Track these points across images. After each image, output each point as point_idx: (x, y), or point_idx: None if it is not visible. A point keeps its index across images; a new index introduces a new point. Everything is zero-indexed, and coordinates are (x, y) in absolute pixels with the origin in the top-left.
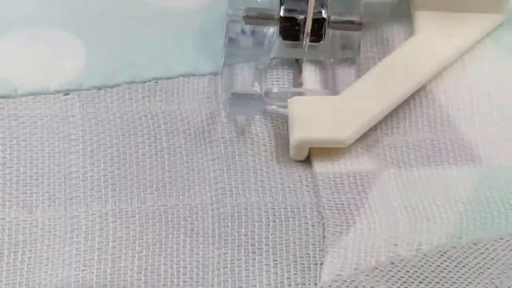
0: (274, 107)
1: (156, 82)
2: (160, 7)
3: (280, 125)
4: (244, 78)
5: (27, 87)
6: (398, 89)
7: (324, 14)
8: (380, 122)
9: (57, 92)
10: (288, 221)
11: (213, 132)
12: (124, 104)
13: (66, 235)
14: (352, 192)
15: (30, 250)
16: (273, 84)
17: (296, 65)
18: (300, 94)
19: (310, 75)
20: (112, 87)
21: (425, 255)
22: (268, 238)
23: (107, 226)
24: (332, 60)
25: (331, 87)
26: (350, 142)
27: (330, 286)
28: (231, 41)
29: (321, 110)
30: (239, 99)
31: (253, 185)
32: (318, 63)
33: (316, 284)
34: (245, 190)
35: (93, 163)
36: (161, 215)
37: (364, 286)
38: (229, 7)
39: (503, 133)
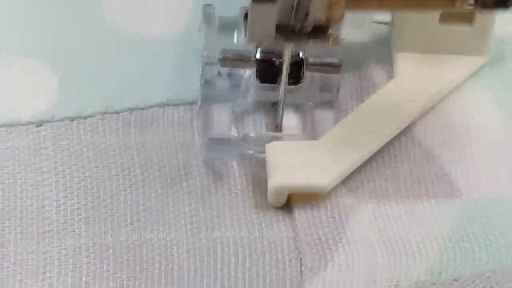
0: (251, 152)
1: (130, 113)
2: (134, 36)
3: (259, 168)
4: (221, 122)
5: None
6: (378, 134)
7: (302, 56)
8: None
9: (30, 123)
10: (265, 255)
11: (188, 165)
12: (98, 136)
13: (39, 270)
14: (330, 227)
15: (2, 285)
16: (250, 128)
17: (274, 108)
18: (278, 138)
19: (288, 118)
20: (85, 118)
21: None
22: (244, 273)
23: (80, 261)
24: (310, 103)
25: (310, 131)
26: (330, 188)
27: None
28: (207, 83)
29: (300, 156)
30: (216, 144)
31: (229, 219)
32: (296, 106)
33: None
34: (221, 224)
35: (66, 196)
36: (135, 250)
37: None
38: (204, 49)
39: (483, 166)
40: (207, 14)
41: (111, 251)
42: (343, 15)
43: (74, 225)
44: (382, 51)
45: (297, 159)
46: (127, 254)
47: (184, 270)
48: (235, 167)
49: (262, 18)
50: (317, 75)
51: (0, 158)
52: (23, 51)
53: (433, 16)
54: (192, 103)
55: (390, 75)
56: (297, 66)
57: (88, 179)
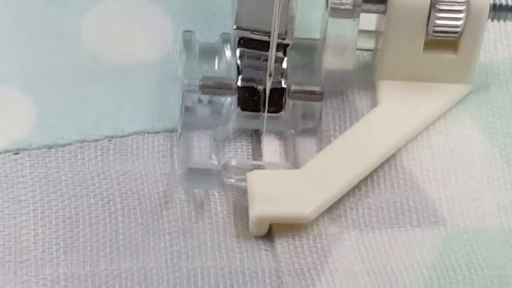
0: (232, 181)
1: (109, 141)
2: (112, 62)
3: (241, 197)
4: (201, 151)
5: None
6: (362, 163)
7: (284, 84)
8: None
9: (6, 151)
10: (246, 285)
11: (169, 193)
12: (76, 164)
13: None
14: (312, 256)
15: None
16: (231, 156)
17: (255, 135)
18: (259, 167)
19: (270, 146)
20: (63, 146)
21: None
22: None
23: None
24: (292, 131)
25: (292, 160)
26: (313, 218)
27: None
28: (187, 110)
29: (282, 185)
30: (195, 174)
31: (210, 249)
32: (278, 134)
33: None
34: (201, 253)
35: (45, 225)
36: (114, 279)
37: None
38: (184, 76)
39: (468, 193)
40: (187, 41)
41: (89, 280)
42: None
43: (52, 254)
44: (365, 78)
45: (279, 188)
46: (106, 283)
47: None
48: (216, 195)
49: None
50: (299, 103)
51: None
52: (0, 78)
53: (417, 43)
54: (172, 131)
55: (374, 103)
56: (279, 94)
57: (67, 208)
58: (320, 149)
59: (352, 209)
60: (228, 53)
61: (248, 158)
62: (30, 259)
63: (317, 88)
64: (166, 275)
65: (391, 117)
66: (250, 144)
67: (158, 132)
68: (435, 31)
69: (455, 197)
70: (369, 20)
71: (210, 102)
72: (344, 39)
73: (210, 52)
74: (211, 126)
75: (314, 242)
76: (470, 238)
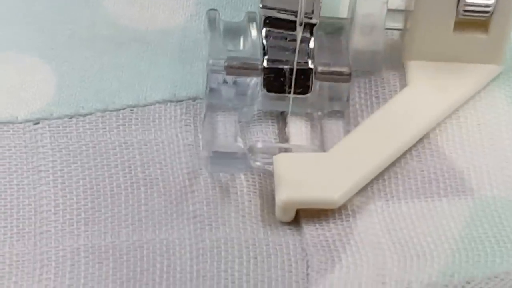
0: (258, 163)
1: (131, 110)
2: (133, 29)
3: (267, 179)
4: (226, 133)
5: None
6: (391, 146)
7: (310, 65)
8: None
9: (26, 121)
10: (270, 258)
11: (191, 164)
12: (97, 133)
13: (35, 271)
14: (337, 228)
15: None
16: (257, 139)
17: (282, 117)
18: (286, 150)
19: (297, 129)
20: (84, 115)
21: None
22: (249, 275)
23: (78, 262)
24: (319, 113)
25: (319, 143)
26: (341, 203)
27: None
28: (212, 92)
29: (309, 169)
30: (221, 158)
31: (234, 220)
32: (304, 116)
33: None
34: (225, 225)
35: (65, 196)
36: (136, 250)
37: None
38: (209, 56)
39: (495, 162)
40: (212, 19)
41: (110, 251)
42: None
43: (73, 225)
44: (394, 59)
45: (306, 172)
46: (127, 255)
47: (186, 271)
48: (242, 178)
49: None
50: (326, 84)
51: None
52: (19, 47)
53: (448, 23)
54: (195, 99)
55: (402, 84)
56: (306, 75)
57: (88, 178)
58: (347, 131)
59: (378, 179)
60: (253, 32)
61: (274, 140)
62: (50, 230)
63: (345, 69)
64: (189, 245)
65: (421, 98)
66: (276, 127)
67: (181, 101)
68: (465, 11)
69: (483, 166)
70: None
71: (235, 83)
72: (372, 19)
73: (235, 32)
74: (236, 107)
75: (339, 213)
76: (498, 208)
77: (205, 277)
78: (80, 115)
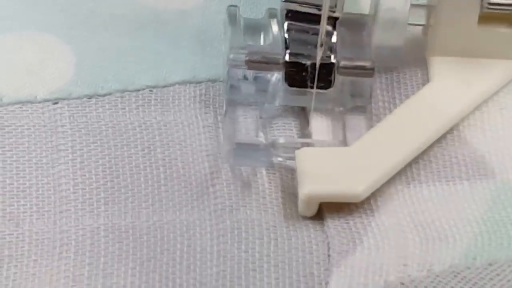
0: (280, 159)
1: (150, 91)
2: (152, 8)
3: (289, 175)
4: (248, 128)
5: (14, 95)
6: (414, 141)
7: (333, 59)
8: None
9: (45, 101)
10: (291, 239)
11: (211, 146)
12: (117, 114)
13: (55, 250)
14: (359, 211)
15: (16, 266)
16: (278, 134)
17: (303, 113)
18: (308, 145)
19: (318, 124)
20: (103, 95)
21: (437, 276)
22: (269, 256)
23: (98, 241)
24: (341, 108)
25: (341, 138)
26: (364, 197)
27: None
28: (232, 88)
29: (332, 163)
30: (243, 149)
31: (255, 202)
32: (326, 111)
33: None
34: (246, 206)
35: (84, 175)
36: (156, 231)
37: None
38: (230, 51)
39: None
40: (232, 15)
41: (131, 231)
42: None
43: (92, 205)
44: (416, 54)
45: (329, 166)
46: (148, 235)
47: (206, 252)
48: (264, 173)
49: None
50: (349, 79)
51: (15, 136)
52: (38, 26)
53: (472, 17)
54: (214, 81)
55: (425, 79)
56: (328, 69)
57: (107, 158)
58: (370, 127)
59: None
60: (274, 27)
61: (295, 135)
62: (69, 209)
63: (367, 63)
64: (210, 226)
65: (444, 94)
66: (297, 122)
67: (200, 83)
68: (490, 4)
69: (505, 150)
70: None
71: (255, 79)
72: (395, 13)
73: (255, 28)
74: (257, 103)
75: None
76: None
77: (225, 257)
78: (99, 95)
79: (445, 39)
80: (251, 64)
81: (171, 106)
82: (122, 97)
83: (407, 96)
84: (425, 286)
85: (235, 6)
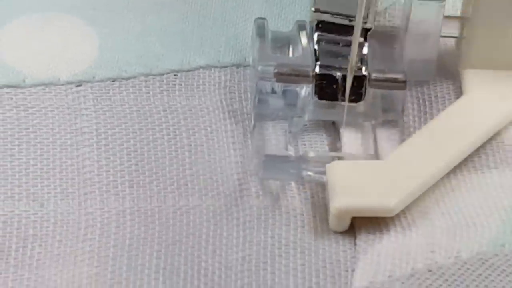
0: (310, 173)
1: (175, 75)
2: None
3: (319, 191)
4: (277, 141)
5: (36, 77)
6: (448, 155)
7: (364, 71)
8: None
9: (69, 83)
10: (317, 228)
11: (236, 132)
12: (141, 98)
13: (80, 231)
14: None
15: (40, 245)
16: (308, 148)
17: (333, 127)
18: (338, 159)
19: (349, 138)
20: (127, 79)
21: (465, 262)
22: (296, 242)
23: (124, 224)
24: (373, 122)
25: (373, 152)
26: (398, 211)
27: None
28: (260, 102)
29: (364, 176)
30: (272, 162)
31: (281, 189)
32: (357, 125)
33: None
34: (272, 193)
35: (109, 158)
36: (182, 215)
37: None
38: (258, 63)
39: None
40: (260, 27)
41: (156, 215)
42: None
43: (117, 187)
44: (449, 67)
45: (361, 180)
46: (174, 219)
47: (232, 237)
48: (293, 187)
49: None
50: (380, 92)
51: (38, 117)
52: (62, 7)
53: (507, 30)
54: (239, 65)
55: (458, 93)
56: (359, 82)
57: (132, 141)
58: (402, 140)
59: None
60: (304, 40)
61: (325, 150)
62: (94, 191)
63: (399, 76)
64: (236, 212)
65: (478, 107)
66: (327, 136)
67: (225, 67)
68: None
69: None
70: (452, 4)
71: (284, 92)
72: (427, 25)
73: (283, 40)
74: (286, 117)
75: None
76: None
77: (251, 242)
78: (123, 79)
79: (479, 52)
80: (280, 76)
81: (195, 92)
82: (146, 81)
83: (440, 110)
84: (453, 273)
85: (263, 18)
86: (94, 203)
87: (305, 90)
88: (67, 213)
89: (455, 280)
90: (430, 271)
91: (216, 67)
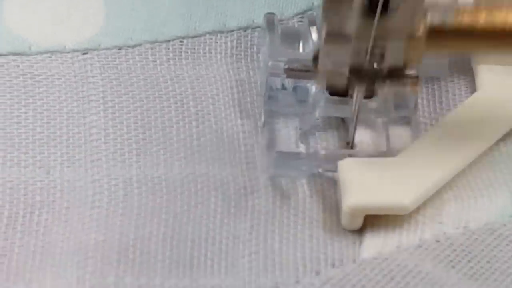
0: (321, 170)
1: (180, 42)
2: None
3: (330, 190)
4: (288, 138)
5: (42, 45)
6: (462, 151)
7: (376, 67)
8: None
9: (75, 51)
10: (325, 198)
11: (243, 101)
12: (148, 67)
13: (87, 198)
14: None
15: (48, 212)
16: (319, 145)
17: (344, 124)
18: (350, 156)
19: (361, 135)
20: (133, 47)
21: (473, 233)
22: (304, 212)
23: (131, 192)
24: (385, 119)
25: (385, 149)
26: (412, 209)
27: (370, 263)
28: (271, 98)
29: (377, 173)
30: (284, 158)
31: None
32: (368, 122)
33: (354, 261)
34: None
35: (115, 126)
36: (189, 183)
37: (407, 264)
38: (269, 58)
39: None
40: (270, 22)
41: (164, 183)
42: (421, 57)
43: (124, 155)
44: (463, 63)
45: (374, 177)
46: (181, 187)
47: (240, 206)
48: (305, 184)
49: (335, 58)
50: (393, 88)
51: (45, 85)
52: None
53: None
54: (246, 28)
55: (471, 88)
56: (371, 78)
57: (139, 110)
58: (415, 137)
59: (433, 124)
60: (314, 35)
61: (337, 147)
62: (101, 159)
63: (412, 72)
64: (243, 182)
65: (493, 104)
66: (338, 133)
67: (232, 31)
68: None
69: None
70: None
71: (294, 89)
72: None
73: (294, 36)
74: (296, 114)
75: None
76: None
77: (259, 212)
78: (129, 46)
79: None
80: (291, 72)
81: (202, 60)
82: (152, 48)
83: (454, 106)
84: (461, 243)
85: (273, 13)
86: (101, 171)
87: (316, 88)
88: (73, 180)
89: (463, 250)
90: (438, 241)
91: (222, 32)
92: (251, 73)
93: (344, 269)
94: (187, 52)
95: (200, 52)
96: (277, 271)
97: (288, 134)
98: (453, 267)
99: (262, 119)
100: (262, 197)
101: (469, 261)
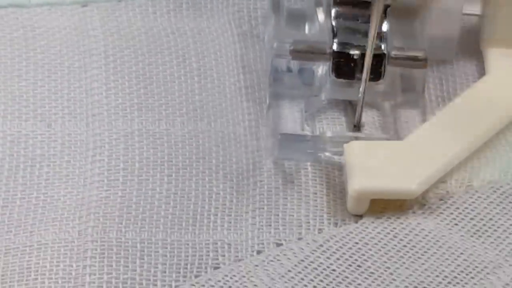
0: (327, 154)
1: None
2: None
3: (336, 172)
4: (293, 120)
5: None
6: (470, 135)
7: (383, 49)
8: None
9: (74, 3)
10: (326, 149)
11: (246, 57)
12: (148, 19)
13: (88, 152)
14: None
15: (48, 165)
16: (325, 128)
17: (350, 107)
18: (357, 138)
19: (368, 118)
20: None
21: (476, 191)
22: (306, 169)
23: (132, 146)
24: (392, 102)
25: (393, 132)
26: (419, 193)
27: (373, 222)
28: (276, 80)
29: (384, 157)
30: (289, 141)
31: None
32: (376, 105)
33: (357, 222)
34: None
35: (117, 80)
36: (191, 139)
37: (410, 223)
38: (274, 39)
39: None
40: (275, 3)
41: (165, 138)
42: None
43: (125, 110)
44: (472, 46)
45: (381, 160)
46: (183, 143)
47: (243, 163)
48: (309, 169)
49: None
50: (400, 70)
51: (45, 38)
52: None
53: None
54: None
55: (480, 72)
56: (378, 60)
57: (140, 64)
58: (423, 121)
59: (438, 97)
60: (320, 16)
61: (343, 130)
62: (102, 113)
63: (420, 54)
64: (245, 141)
65: (501, 87)
66: (345, 116)
67: None
68: None
69: None
70: None
71: (300, 71)
72: (449, 3)
73: (299, 17)
74: (302, 96)
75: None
76: None
77: (261, 169)
78: None
79: (502, 30)
80: (296, 54)
81: (203, 12)
82: (152, 0)
83: (462, 90)
84: (464, 201)
85: None
86: (102, 125)
87: (322, 68)
88: (74, 134)
89: (466, 208)
90: (441, 200)
91: None
92: (253, 23)
93: (347, 228)
94: (188, 3)
95: (201, 3)
96: (280, 227)
97: (293, 117)
98: (456, 225)
99: (267, 101)
100: (263, 155)
101: (472, 219)
